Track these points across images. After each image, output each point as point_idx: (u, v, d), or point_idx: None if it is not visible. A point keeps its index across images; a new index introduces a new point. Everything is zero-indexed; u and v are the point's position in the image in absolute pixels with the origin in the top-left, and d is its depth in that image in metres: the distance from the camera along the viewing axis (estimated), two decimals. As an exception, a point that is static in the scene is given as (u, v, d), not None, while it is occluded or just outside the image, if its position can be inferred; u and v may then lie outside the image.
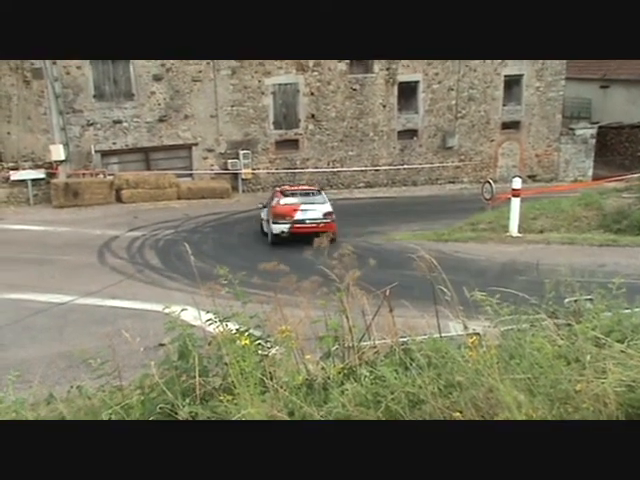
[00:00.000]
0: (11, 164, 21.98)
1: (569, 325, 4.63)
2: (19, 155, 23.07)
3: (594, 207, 16.61)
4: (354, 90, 26.13)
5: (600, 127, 32.02)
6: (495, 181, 20.05)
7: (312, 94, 25.55)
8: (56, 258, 15.77)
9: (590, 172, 30.99)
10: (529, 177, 29.11)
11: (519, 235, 15.73)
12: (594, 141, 30.90)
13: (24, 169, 21.85)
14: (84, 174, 22.47)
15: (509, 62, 28.28)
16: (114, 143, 23.09)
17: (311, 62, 25.12)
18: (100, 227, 19.27)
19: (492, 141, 29.03)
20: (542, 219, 16.55)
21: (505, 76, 28.46)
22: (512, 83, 28.75)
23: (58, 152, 21.46)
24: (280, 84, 24.95)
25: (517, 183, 15.71)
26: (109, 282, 13.82)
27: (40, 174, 21.90)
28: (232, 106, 24.42)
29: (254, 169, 25.01)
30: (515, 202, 15.64)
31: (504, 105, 28.80)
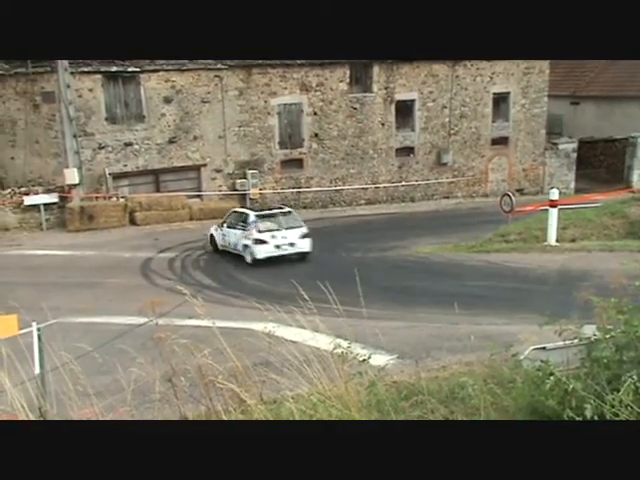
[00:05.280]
0: (23, 189, 21.55)
1: None
2: (24, 180, 22.62)
3: (619, 216, 17.48)
4: (354, 109, 26.66)
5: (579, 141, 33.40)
6: (513, 194, 20.71)
7: (315, 114, 25.95)
8: (102, 281, 15.61)
9: (572, 185, 32.28)
10: (517, 191, 30.07)
11: (557, 244, 16.41)
12: (575, 155, 32.25)
13: (36, 194, 21.46)
14: (97, 197, 22.22)
15: (497, 80, 29.38)
16: (125, 165, 22.92)
17: (314, 82, 25.56)
18: (126, 250, 19.11)
19: (483, 157, 29.99)
20: (571, 228, 17.29)
21: (494, 94, 29.52)
22: (500, 100, 29.83)
23: (72, 176, 21.16)
24: (285, 104, 25.27)
25: (554, 194, 16.41)
26: (174, 302, 13.72)
27: (53, 198, 21.58)
28: (239, 126, 24.59)
29: (261, 189, 25.16)
30: (553, 212, 16.31)
31: (493, 122, 29.85)
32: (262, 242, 16.73)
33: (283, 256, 16.85)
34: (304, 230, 17.33)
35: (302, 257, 17.20)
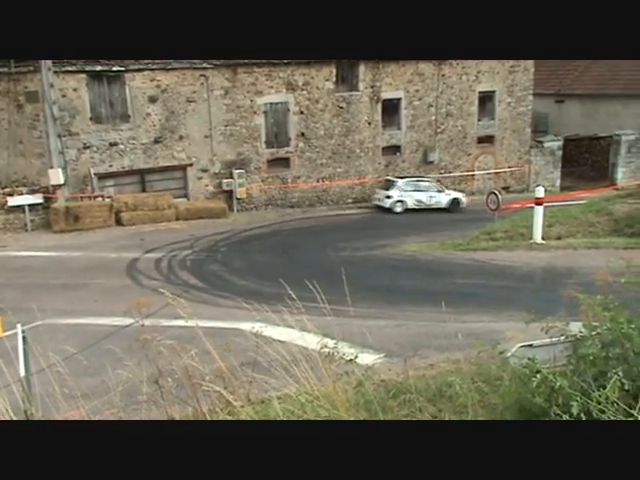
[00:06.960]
0: (7, 190, 21.35)
1: None
2: (8, 181, 22.43)
3: (604, 213, 17.57)
4: (341, 108, 26.66)
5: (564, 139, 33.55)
6: (499, 192, 20.77)
7: (302, 113, 25.92)
8: (88, 282, 15.50)
9: (558, 182, 32.47)
10: (503, 189, 30.23)
11: (543, 242, 16.48)
12: (561, 153, 32.42)
13: (21, 194, 21.27)
14: (82, 198, 22.07)
15: (483, 78, 29.48)
16: (110, 165, 22.78)
17: (300, 81, 25.53)
18: (112, 250, 18.99)
19: (469, 155, 30.08)
20: (557, 226, 17.37)
21: (479, 92, 29.62)
22: (486, 99, 29.95)
23: (57, 176, 20.98)
24: (271, 103, 25.22)
25: (540, 192, 16.48)
26: (160, 303, 13.63)
27: (38, 199, 21.38)
28: (225, 126, 24.51)
29: (248, 188, 25.09)
30: (539, 210, 16.38)
31: (479, 120, 29.96)
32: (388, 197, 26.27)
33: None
34: (390, 193, 25.96)
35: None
